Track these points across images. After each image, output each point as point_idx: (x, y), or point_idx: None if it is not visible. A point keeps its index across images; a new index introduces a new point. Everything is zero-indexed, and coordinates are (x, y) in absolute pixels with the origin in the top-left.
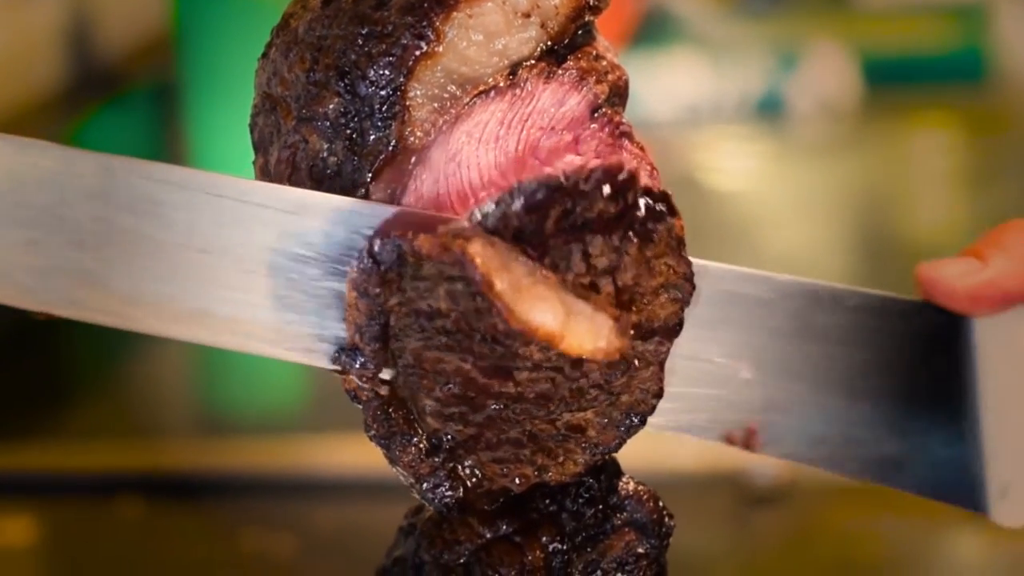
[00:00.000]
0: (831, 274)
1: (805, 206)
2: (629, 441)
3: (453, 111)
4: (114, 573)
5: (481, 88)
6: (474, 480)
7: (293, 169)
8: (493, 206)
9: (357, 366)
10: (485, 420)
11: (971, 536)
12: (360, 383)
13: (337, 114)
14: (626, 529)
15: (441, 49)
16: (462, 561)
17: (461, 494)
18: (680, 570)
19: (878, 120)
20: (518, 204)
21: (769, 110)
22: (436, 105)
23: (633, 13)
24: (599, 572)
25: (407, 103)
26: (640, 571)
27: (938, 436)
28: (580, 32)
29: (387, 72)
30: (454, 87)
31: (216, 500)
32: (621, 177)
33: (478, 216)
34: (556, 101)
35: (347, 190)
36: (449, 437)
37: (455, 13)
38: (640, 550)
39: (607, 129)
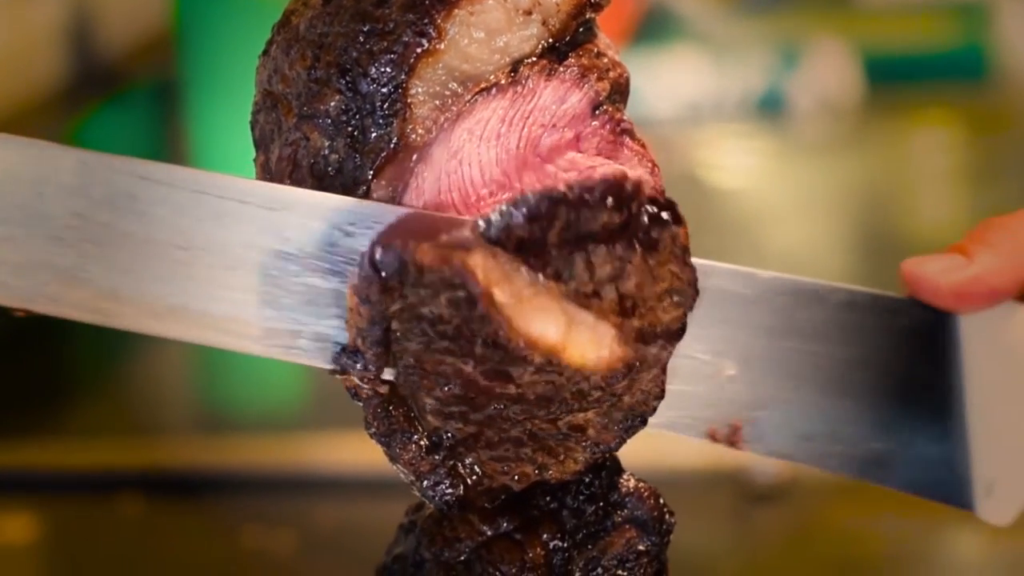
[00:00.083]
0: (831, 271)
1: (806, 204)
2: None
3: (455, 108)
4: (114, 571)
5: (483, 85)
6: (474, 478)
7: (294, 167)
8: (496, 216)
9: (359, 368)
10: (486, 419)
11: (971, 534)
12: (360, 382)
13: (338, 111)
14: (627, 526)
15: (443, 46)
16: (463, 558)
17: (461, 492)
18: (681, 567)
19: (879, 118)
20: (521, 215)
21: (770, 108)
22: (437, 102)
23: (634, 10)
24: (600, 569)
25: (408, 100)
26: (641, 568)
27: (924, 433)
28: (581, 29)
29: (388, 69)
30: (455, 84)
31: (216, 498)
32: (626, 188)
33: (481, 226)
34: (557, 98)
35: (348, 188)
36: (449, 435)
37: (456, 10)
38: (641, 547)
39: (608, 126)
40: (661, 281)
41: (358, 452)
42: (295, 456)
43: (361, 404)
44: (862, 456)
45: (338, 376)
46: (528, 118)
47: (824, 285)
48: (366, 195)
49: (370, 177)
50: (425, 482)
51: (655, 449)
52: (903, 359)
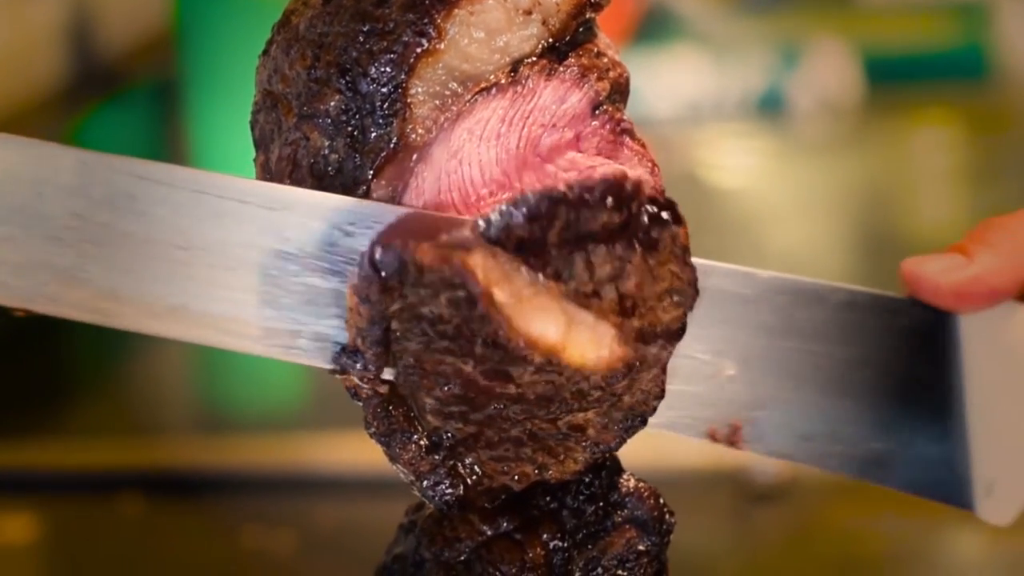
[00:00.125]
0: (832, 271)
1: (806, 203)
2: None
3: (454, 108)
4: (114, 570)
5: (482, 85)
6: (474, 478)
7: (294, 167)
8: (496, 216)
9: (358, 368)
10: (486, 419)
11: (971, 534)
12: (360, 382)
13: (338, 111)
14: (627, 526)
15: (443, 46)
16: (463, 558)
17: (461, 491)
18: (681, 567)
19: (879, 117)
20: (521, 215)
21: (770, 107)
22: (437, 102)
23: (634, 10)
24: (600, 569)
25: (408, 100)
26: (641, 568)
27: (924, 433)
28: (581, 29)
29: (388, 69)
30: (455, 84)
31: (216, 497)
32: (626, 188)
33: (481, 225)
34: (557, 98)
35: (348, 188)
36: (449, 435)
37: (456, 10)
38: (641, 547)
39: (608, 126)
40: (661, 281)
41: (358, 452)
42: (295, 456)
43: (361, 404)
44: (862, 456)
45: (338, 376)
46: (528, 118)
47: (824, 285)
48: (366, 195)
49: (370, 177)
50: (425, 482)
51: (655, 449)
52: (903, 359)
